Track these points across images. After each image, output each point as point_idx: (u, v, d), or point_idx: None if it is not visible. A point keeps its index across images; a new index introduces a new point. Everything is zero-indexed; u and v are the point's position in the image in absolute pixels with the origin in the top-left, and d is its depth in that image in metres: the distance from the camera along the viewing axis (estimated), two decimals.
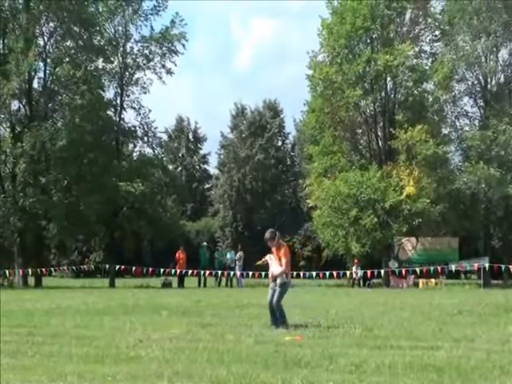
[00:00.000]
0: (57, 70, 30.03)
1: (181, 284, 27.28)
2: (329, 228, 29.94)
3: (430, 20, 30.96)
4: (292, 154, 54.72)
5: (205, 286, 27.76)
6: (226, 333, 8.70)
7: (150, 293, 21.66)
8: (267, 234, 9.65)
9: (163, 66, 31.78)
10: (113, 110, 31.96)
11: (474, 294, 20.40)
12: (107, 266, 31.23)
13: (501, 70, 31.33)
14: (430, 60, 31.26)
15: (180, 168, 59.77)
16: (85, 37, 29.93)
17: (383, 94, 30.30)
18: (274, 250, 9.78)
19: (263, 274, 26.75)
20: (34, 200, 27.67)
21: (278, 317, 9.48)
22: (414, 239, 30.92)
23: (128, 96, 31.98)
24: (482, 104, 31.73)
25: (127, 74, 31.80)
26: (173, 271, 27.68)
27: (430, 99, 30.13)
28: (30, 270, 27.41)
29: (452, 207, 30.22)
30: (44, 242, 31.40)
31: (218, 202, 53.48)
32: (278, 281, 9.54)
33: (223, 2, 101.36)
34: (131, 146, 35.98)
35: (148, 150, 33.44)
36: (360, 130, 32.19)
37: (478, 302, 14.99)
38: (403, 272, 27.26)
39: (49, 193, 28.79)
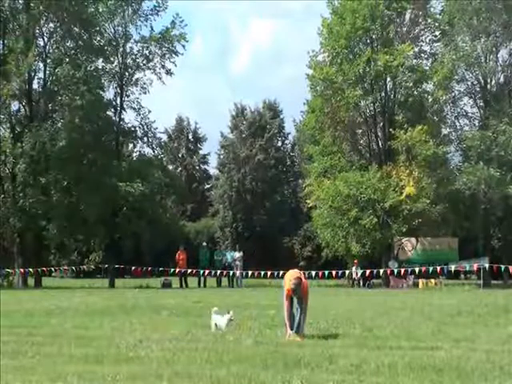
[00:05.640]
0: (57, 70, 29.98)
1: (184, 284, 27.34)
2: (329, 228, 30.00)
3: (429, 20, 30.98)
4: (292, 154, 54.74)
5: (205, 286, 27.83)
6: (225, 333, 8.70)
7: (149, 293, 21.65)
8: None
9: (163, 67, 31.76)
10: (113, 110, 31.93)
11: (473, 295, 20.38)
12: (107, 266, 31.21)
13: (500, 70, 31.33)
14: (430, 60, 31.29)
15: (180, 168, 59.78)
16: (85, 37, 29.94)
17: (383, 94, 30.33)
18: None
19: (262, 273, 26.93)
20: (33, 200, 27.64)
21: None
22: (413, 239, 30.92)
23: (128, 96, 31.92)
24: (481, 104, 31.74)
25: (127, 74, 31.75)
26: (171, 270, 27.74)
27: (430, 99, 30.17)
28: (29, 270, 27.41)
29: (452, 207, 30.20)
30: (44, 242, 31.36)
31: (218, 202, 53.45)
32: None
33: (222, 3, 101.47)
34: (131, 146, 35.98)
35: (148, 151, 33.42)
36: (360, 130, 32.21)
37: (477, 303, 14.97)
38: (403, 272, 27.26)
39: (49, 193, 28.76)
